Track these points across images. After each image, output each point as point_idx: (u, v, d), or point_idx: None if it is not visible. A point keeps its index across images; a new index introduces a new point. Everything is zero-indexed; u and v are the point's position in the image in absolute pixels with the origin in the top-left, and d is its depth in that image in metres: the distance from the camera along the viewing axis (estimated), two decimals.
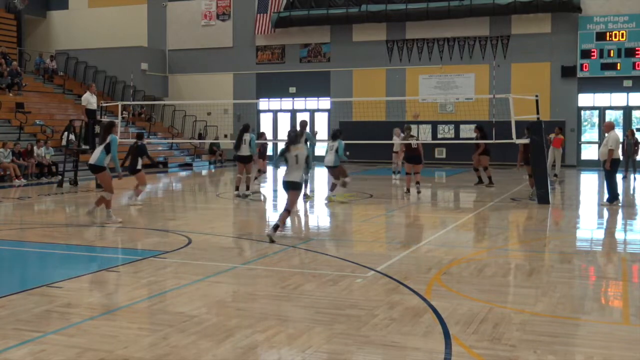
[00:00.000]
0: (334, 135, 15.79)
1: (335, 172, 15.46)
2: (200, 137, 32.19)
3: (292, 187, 10.18)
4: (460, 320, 5.96)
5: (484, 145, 18.70)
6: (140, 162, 14.79)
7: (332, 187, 15.82)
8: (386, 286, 7.25)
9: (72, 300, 6.69)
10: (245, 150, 16.27)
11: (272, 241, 9.76)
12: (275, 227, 9.96)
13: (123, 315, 6.17)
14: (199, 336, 5.53)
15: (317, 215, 14.55)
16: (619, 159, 14.78)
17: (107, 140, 11.39)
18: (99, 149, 11.50)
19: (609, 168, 14.25)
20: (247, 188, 16.46)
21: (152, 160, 16.63)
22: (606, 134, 14.76)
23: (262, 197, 16.91)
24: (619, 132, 18.01)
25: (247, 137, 16.27)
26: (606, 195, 14.82)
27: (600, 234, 11.85)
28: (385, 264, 8.42)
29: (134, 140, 15.73)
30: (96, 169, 11.47)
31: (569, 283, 7.60)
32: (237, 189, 16.44)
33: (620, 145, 16.28)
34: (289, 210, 10.16)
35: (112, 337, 5.51)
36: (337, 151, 15.17)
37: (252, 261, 8.73)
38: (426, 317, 6.06)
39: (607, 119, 28.80)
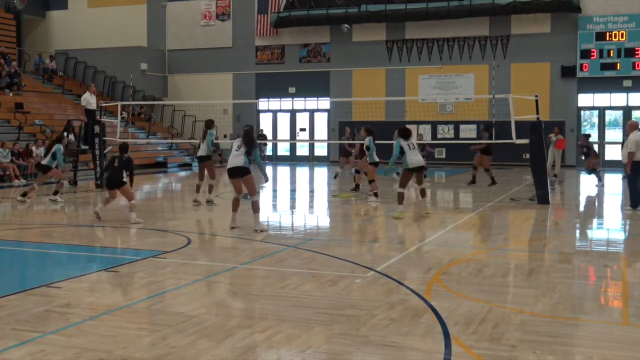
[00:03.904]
0: (406, 135, 13.09)
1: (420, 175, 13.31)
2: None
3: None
4: (460, 320, 5.94)
5: (487, 145, 18.74)
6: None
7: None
8: (386, 286, 7.23)
9: (71, 300, 6.66)
10: (202, 150, 14.69)
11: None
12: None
13: (122, 316, 6.15)
14: (198, 336, 5.51)
15: (317, 215, 14.54)
16: None
17: (255, 148, 11.08)
18: (241, 154, 11.01)
19: (628, 172, 13.70)
20: (209, 191, 14.88)
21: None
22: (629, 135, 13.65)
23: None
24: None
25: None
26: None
27: (599, 234, 11.82)
28: (384, 264, 8.39)
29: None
30: (244, 171, 11.06)
31: (568, 283, 7.57)
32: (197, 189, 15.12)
33: None
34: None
35: (112, 337, 5.49)
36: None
37: (252, 261, 8.69)
38: (426, 318, 6.04)
39: (607, 119, 28.77)
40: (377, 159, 15.52)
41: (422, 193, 13.17)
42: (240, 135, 11.44)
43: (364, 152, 16.18)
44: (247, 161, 11.06)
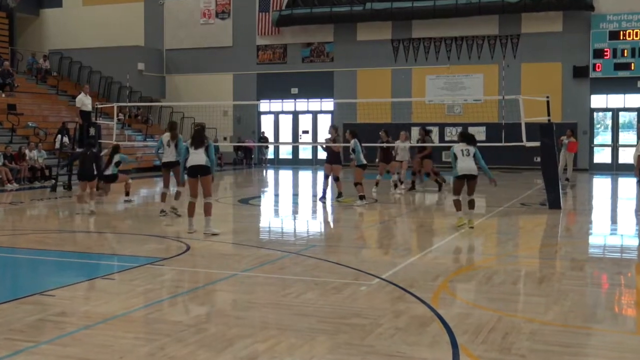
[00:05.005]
0: (469, 138, 12.27)
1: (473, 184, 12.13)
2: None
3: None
4: (469, 329, 5.86)
5: (430, 149, 18.58)
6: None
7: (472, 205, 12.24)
8: (391, 294, 7.14)
9: (66, 308, 6.57)
10: (171, 155, 13.58)
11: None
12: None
13: (119, 325, 6.08)
14: (197, 346, 5.44)
15: (319, 220, 14.40)
16: None
17: (207, 144, 11.20)
18: (201, 152, 11.06)
19: (637, 175, 13.52)
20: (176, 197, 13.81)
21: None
22: None
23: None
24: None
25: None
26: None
27: (613, 240, 11.69)
28: (390, 271, 8.28)
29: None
30: (205, 170, 11.10)
31: (580, 291, 7.49)
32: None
33: None
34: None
35: (108, 347, 5.42)
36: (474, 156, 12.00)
37: (253, 268, 8.59)
38: (433, 327, 5.97)
39: (621, 121, 28.43)
40: (364, 162, 15.55)
41: (470, 204, 12.04)
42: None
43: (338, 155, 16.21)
44: (208, 160, 11.13)
